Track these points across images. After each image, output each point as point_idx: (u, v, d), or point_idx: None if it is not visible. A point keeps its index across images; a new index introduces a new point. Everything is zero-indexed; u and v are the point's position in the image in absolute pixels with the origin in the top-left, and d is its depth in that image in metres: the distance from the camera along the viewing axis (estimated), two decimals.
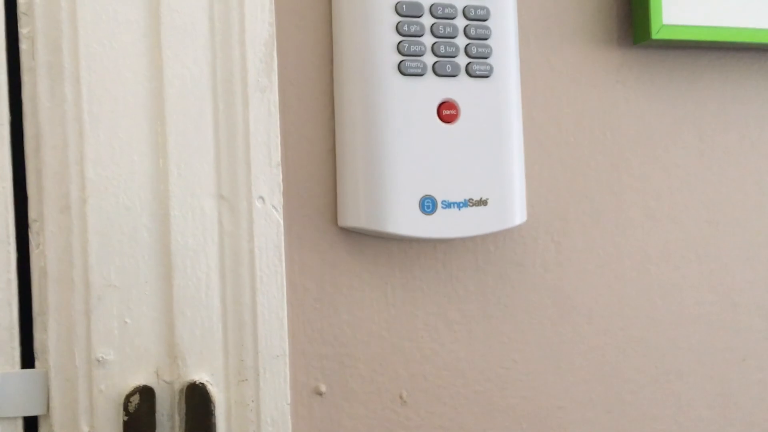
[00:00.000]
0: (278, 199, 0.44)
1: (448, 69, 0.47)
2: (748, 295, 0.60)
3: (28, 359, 0.42)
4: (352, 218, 0.47)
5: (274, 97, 0.44)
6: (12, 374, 0.41)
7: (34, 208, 0.41)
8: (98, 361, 0.41)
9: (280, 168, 0.44)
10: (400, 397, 0.50)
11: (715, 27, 0.54)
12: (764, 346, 0.60)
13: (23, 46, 0.41)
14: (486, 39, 0.48)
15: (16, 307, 0.41)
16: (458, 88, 0.48)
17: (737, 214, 0.59)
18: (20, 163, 0.41)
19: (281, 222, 0.44)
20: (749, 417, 0.60)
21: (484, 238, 0.52)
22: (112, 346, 0.41)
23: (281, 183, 0.44)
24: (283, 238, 0.44)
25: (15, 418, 0.41)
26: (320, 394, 0.48)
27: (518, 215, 0.50)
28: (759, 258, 0.60)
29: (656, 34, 0.53)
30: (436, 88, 0.47)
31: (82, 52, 0.41)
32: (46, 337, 0.41)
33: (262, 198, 0.44)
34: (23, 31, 0.41)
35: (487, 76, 0.49)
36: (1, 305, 0.41)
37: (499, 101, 0.49)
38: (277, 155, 0.44)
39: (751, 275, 0.60)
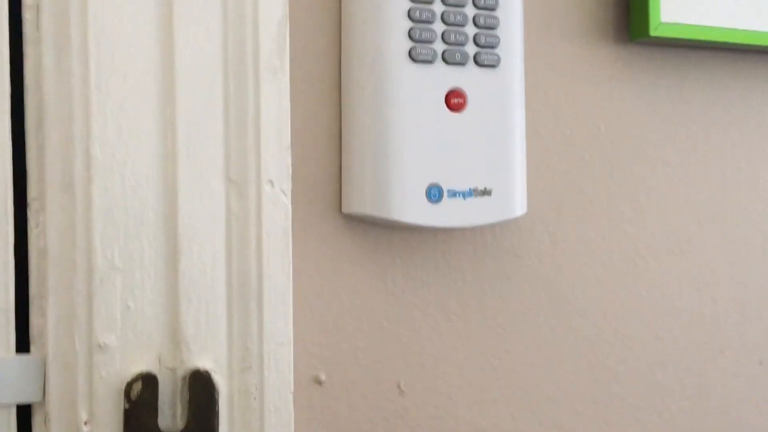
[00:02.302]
0: (287, 184, 0.43)
1: (458, 57, 0.47)
2: (727, 291, 0.62)
3: (23, 344, 0.40)
4: (357, 205, 0.47)
5: (285, 78, 0.43)
6: (6, 359, 0.39)
7: (34, 186, 0.39)
8: (99, 346, 0.40)
9: (289, 151, 0.43)
10: (398, 387, 0.50)
11: (712, 27, 0.55)
12: (741, 340, 0.62)
13: (27, 15, 0.39)
14: (494, 29, 0.48)
15: (13, 290, 0.39)
16: (466, 77, 0.48)
17: (721, 213, 0.61)
18: (20, 138, 0.39)
19: (290, 207, 0.43)
20: (725, 407, 0.62)
21: (482, 228, 0.52)
22: (114, 331, 0.40)
23: (290, 167, 0.43)
24: (290, 223, 0.43)
25: (9, 405, 0.39)
26: (319, 382, 0.48)
27: (519, 206, 0.51)
28: (739, 255, 0.62)
29: (654, 31, 0.54)
30: (445, 76, 0.47)
31: (91, 24, 0.39)
32: (44, 321, 0.39)
33: (271, 182, 0.43)
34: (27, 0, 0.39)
35: (494, 66, 0.49)
36: None
37: (505, 92, 0.49)
38: (287, 138, 0.43)
39: (731, 272, 0.62)
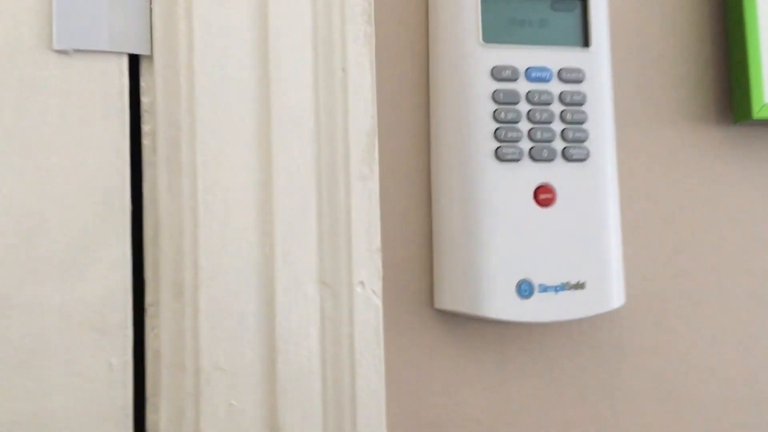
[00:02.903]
0: (378, 285, 0.45)
1: (545, 154, 0.48)
2: None
3: None
4: (449, 301, 0.48)
5: (375, 185, 0.45)
6: None
7: (151, 293, 0.43)
8: None
9: (379, 253, 0.45)
10: None
11: None
12: None
13: (145, 141, 0.44)
14: (582, 123, 0.49)
15: (131, 389, 0.43)
16: (555, 172, 0.48)
17: None
18: (139, 250, 0.44)
19: (380, 307, 0.45)
20: None
21: (581, 320, 0.52)
22: (219, 428, 0.43)
23: (381, 268, 0.45)
24: (382, 322, 0.45)
25: None
26: None
27: (616, 298, 0.50)
28: None
29: (757, 113, 0.52)
30: (532, 173, 0.48)
31: (199, 148, 0.43)
32: (157, 418, 0.43)
33: (362, 283, 0.45)
34: (145, 128, 0.44)
35: (583, 160, 0.49)
36: (117, 387, 0.43)
37: (595, 184, 0.49)
38: (377, 241, 0.45)
39: None
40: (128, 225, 0.44)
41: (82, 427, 0.42)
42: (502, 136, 0.47)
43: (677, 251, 0.54)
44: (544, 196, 0.48)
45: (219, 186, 0.43)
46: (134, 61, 0.44)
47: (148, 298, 0.44)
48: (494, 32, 0.48)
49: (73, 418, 0.42)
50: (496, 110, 0.47)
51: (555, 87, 0.48)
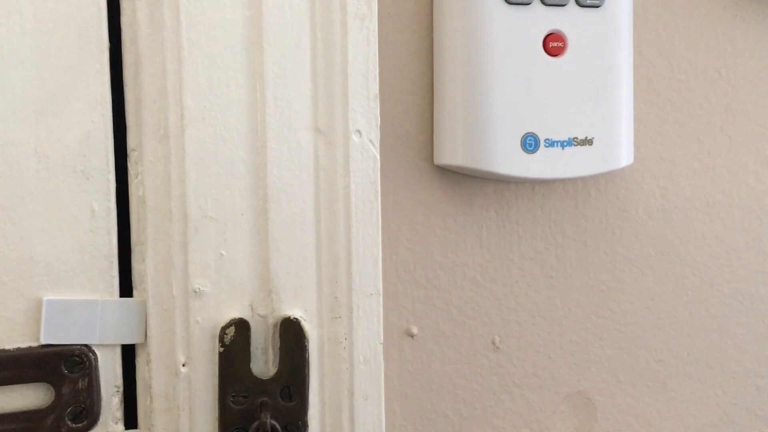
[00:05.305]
0: (375, 134, 0.43)
1: None
2: None
3: (126, 288, 0.42)
4: (449, 156, 0.46)
5: (374, 25, 0.42)
6: (111, 302, 0.41)
7: (133, 137, 0.41)
8: (195, 292, 0.41)
9: (378, 101, 0.42)
10: (493, 343, 0.49)
11: None
12: None
13: None
14: None
15: (116, 236, 0.41)
16: (566, 19, 0.45)
17: None
18: (119, 91, 0.41)
19: (378, 157, 0.43)
20: None
21: (585, 181, 0.50)
22: (209, 278, 0.41)
23: (379, 117, 0.43)
24: (379, 174, 0.43)
25: (114, 345, 0.42)
26: (411, 335, 0.47)
27: (624, 157, 0.47)
28: None
29: None
30: (542, 19, 0.45)
31: None
32: (144, 267, 0.41)
33: (359, 132, 0.42)
34: None
35: (597, 6, 0.45)
36: (101, 233, 0.41)
37: (609, 34, 0.46)
38: (375, 87, 0.42)
39: None
40: (107, 62, 0.40)
41: (66, 274, 0.40)
42: None
43: (688, 112, 0.52)
44: (554, 44, 0.45)
45: (204, 20, 0.40)
46: None
47: (131, 141, 0.41)
48: None
49: (57, 264, 0.40)
50: None
51: None
